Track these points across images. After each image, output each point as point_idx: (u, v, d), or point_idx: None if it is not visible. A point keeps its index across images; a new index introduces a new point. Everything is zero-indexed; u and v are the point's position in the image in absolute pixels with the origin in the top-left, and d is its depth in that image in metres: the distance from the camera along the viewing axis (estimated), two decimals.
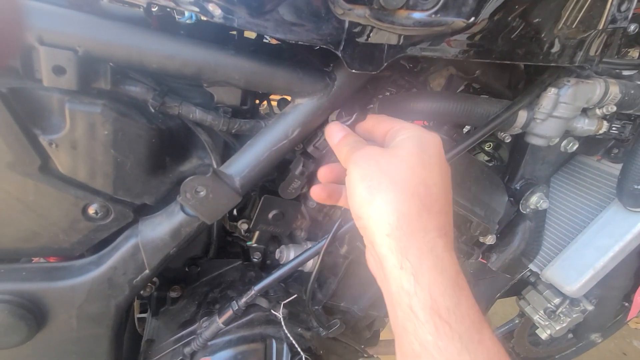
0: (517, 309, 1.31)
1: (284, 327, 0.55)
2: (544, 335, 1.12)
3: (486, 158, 0.88)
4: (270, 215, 0.53)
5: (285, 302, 0.55)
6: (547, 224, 0.77)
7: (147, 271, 0.42)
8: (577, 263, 0.69)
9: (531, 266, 0.77)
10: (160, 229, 0.42)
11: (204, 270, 0.62)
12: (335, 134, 0.40)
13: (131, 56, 0.35)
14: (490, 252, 0.75)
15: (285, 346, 0.55)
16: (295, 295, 0.56)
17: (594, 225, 0.69)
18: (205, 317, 0.53)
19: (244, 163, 0.44)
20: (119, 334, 0.46)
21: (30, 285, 0.39)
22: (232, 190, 0.41)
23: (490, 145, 0.88)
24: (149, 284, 0.56)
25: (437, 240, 0.29)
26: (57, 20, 0.32)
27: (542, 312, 1.09)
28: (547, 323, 1.10)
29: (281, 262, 0.59)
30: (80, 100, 0.35)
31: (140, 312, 0.70)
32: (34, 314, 0.38)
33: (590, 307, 1.08)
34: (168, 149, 0.43)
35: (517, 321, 1.37)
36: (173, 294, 0.59)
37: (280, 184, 0.50)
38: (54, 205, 0.38)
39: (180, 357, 0.51)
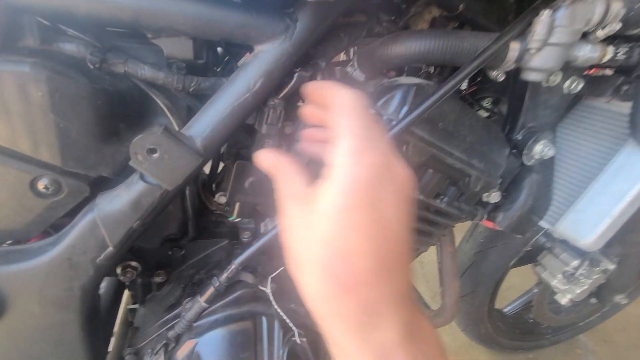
0: (534, 280, 1.24)
1: (274, 303, 0.51)
2: (563, 300, 1.06)
3: (485, 115, 0.82)
4: (246, 184, 0.49)
5: (273, 275, 0.51)
6: (556, 176, 0.71)
7: (110, 248, 0.39)
8: (591, 213, 0.63)
9: (542, 223, 0.71)
10: (118, 201, 0.38)
11: (189, 253, 0.59)
12: (264, 164, 0.34)
13: (54, 2, 0.31)
14: (496, 212, 0.70)
15: (276, 323, 0.52)
16: (284, 268, 0.52)
17: (608, 170, 0.63)
18: (189, 298, 0.50)
19: (204, 123, 0.40)
20: (91, 319, 0.43)
21: None
22: (190, 150, 0.37)
23: (489, 101, 0.82)
24: (130, 270, 0.53)
25: (360, 317, 0.26)
26: None
27: (560, 276, 1.04)
28: (566, 287, 1.04)
29: None
30: (5, 59, 0.32)
31: (133, 303, 0.67)
32: None
33: (612, 267, 1.02)
34: (121, 114, 0.40)
35: (535, 291, 1.31)
36: (157, 279, 0.56)
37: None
38: None
39: (164, 341, 0.47)
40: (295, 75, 0.44)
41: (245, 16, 0.37)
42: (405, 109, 0.48)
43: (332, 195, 0.27)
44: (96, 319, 0.44)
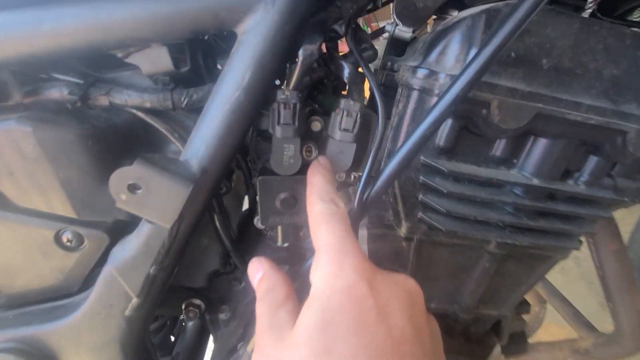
0: None
1: None
2: None
3: None
4: (277, 203, 0.40)
5: None
6: None
7: (135, 299, 0.35)
8: None
9: None
10: (129, 247, 0.34)
11: (250, 285, 0.53)
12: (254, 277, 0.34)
13: (17, 51, 0.29)
14: None
15: None
16: None
17: None
18: (242, 343, 0.43)
19: (198, 140, 0.33)
20: None
21: (32, 329, 0.37)
22: (177, 178, 0.30)
23: None
24: (192, 308, 0.50)
25: None
26: None
27: None
28: None
29: None
30: None
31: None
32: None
33: None
34: (122, 150, 0.36)
35: None
36: (222, 316, 0.52)
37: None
38: (26, 241, 0.35)
39: None
40: (300, 53, 0.33)
41: None
42: (472, 52, 0.31)
43: (307, 329, 0.24)
44: None
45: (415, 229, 0.42)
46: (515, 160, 0.38)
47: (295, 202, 0.40)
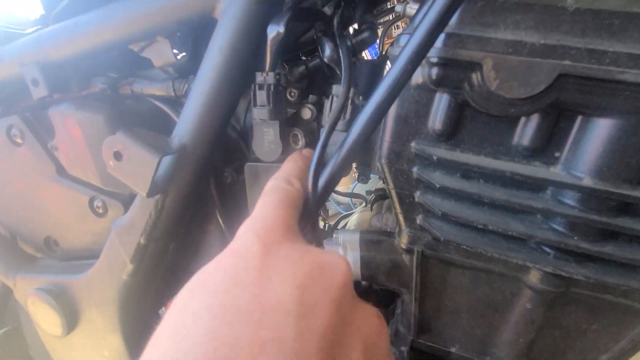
0: None
1: None
2: None
3: None
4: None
5: None
6: None
7: (129, 265, 0.39)
8: None
9: None
10: (127, 216, 0.38)
11: None
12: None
13: (64, 52, 0.38)
14: None
15: None
16: None
17: None
18: None
19: (182, 120, 0.35)
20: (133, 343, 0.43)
21: (64, 277, 0.44)
22: (149, 148, 0.32)
23: None
24: None
25: None
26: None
27: None
28: None
29: None
30: (54, 105, 0.41)
31: None
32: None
33: None
34: None
35: None
36: None
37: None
38: (72, 202, 0.44)
39: None
40: (270, 33, 0.32)
41: None
42: None
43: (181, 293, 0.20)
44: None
45: (416, 238, 0.33)
46: (557, 154, 0.27)
47: None
